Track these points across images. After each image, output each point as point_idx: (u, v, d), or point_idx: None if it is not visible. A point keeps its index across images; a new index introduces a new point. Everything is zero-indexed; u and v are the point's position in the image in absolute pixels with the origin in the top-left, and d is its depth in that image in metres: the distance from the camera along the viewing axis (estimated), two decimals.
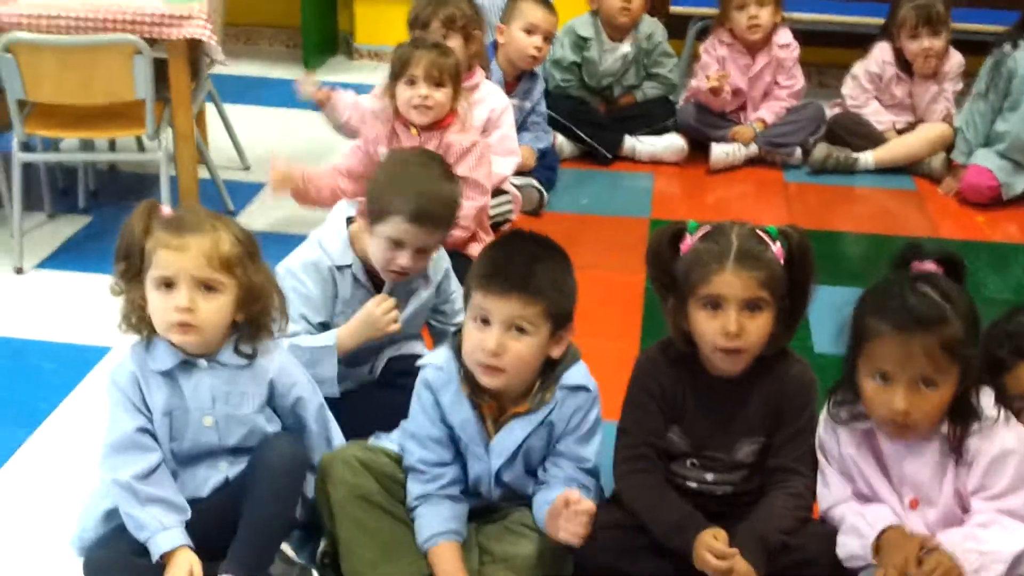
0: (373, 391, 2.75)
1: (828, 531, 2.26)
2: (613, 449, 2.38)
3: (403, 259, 2.61)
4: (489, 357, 2.21)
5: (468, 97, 3.63)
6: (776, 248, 2.23)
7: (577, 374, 2.33)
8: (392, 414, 2.46)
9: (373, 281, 2.71)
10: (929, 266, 2.16)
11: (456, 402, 2.31)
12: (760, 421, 2.30)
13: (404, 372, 2.63)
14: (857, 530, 2.19)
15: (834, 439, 2.26)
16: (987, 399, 2.16)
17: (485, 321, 2.22)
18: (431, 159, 2.76)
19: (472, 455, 2.35)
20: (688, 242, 2.26)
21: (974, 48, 4.66)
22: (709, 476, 2.35)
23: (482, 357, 2.22)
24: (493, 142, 3.84)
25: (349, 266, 2.68)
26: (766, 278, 2.19)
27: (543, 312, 2.22)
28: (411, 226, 2.57)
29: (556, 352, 2.29)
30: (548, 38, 4.25)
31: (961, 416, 2.14)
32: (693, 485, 2.35)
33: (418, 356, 2.55)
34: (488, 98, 3.90)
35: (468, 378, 2.29)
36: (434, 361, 2.36)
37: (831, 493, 2.27)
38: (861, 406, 2.20)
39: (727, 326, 2.18)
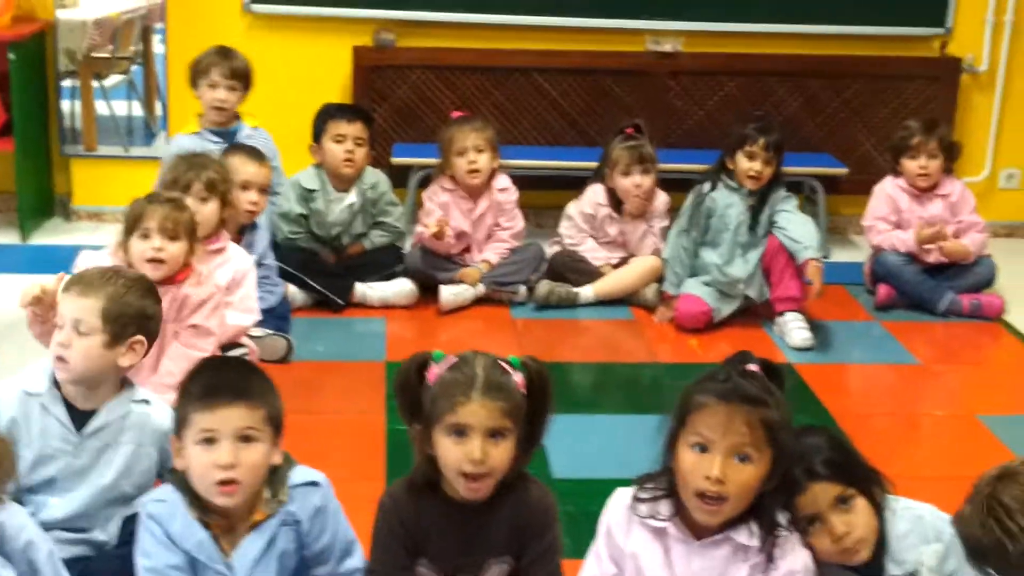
0: (116, 553, 2.67)
1: None
2: None
3: None
4: (226, 472, 2.25)
5: (206, 258, 3.66)
6: (518, 378, 2.35)
7: (302, 473, 2.41)
8: None
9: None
10: (754, 368, 2.32)
11: (186, 528, 2.33)
12: (506, 543, 2.39)
13: None
14: None
15: (624, 534, 2.37)
16: (782, 517, 2.31)
17: (210, 441, 2.26)
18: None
19: (213, 573, 2.34)
20: (435, 371, 2.35)
21: (677, 185, 5.00)
22: None
23: (219, 475, 2.25)
24: (235, 300, 3.87)
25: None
26: (509, 407, 2.31)
27: (266, 417, 2.31)
28: None
29: (277, 459, 2.36)
30: (263, 190, 4.30)
31: (767, 523, 2.27)
32: None
33: None
34: (233, 259, 3.94)
35: (195, 502, 2.32)
36: (153, 496, 2.39)
37: (598, 570, 2.39)
38: (663, 504, 2.33)
39: (472, 453, 2.28)
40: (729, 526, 2.29)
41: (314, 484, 2.40)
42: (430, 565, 2.39)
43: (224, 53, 4.76)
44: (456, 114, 4.99)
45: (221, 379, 2.34)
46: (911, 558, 2.38)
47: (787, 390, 4.12)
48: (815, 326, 4.59)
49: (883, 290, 4.93)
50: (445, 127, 4.89)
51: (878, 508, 2.39)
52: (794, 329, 4.54)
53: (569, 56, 5.62)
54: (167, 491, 2.37)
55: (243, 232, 4.31)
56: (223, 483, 2.26)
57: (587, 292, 4.85)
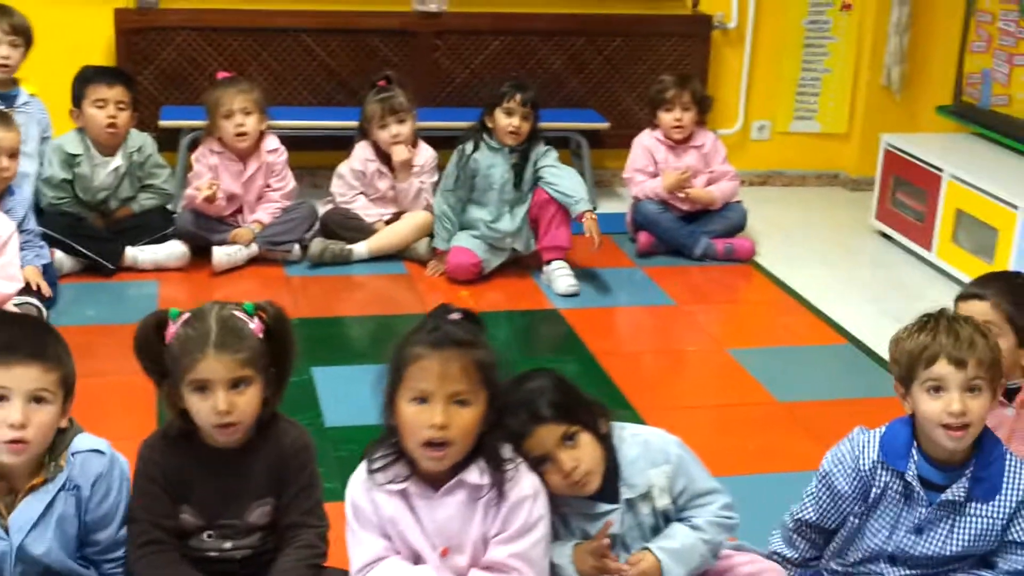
0: None
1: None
2: (127, 539, 2.46)
3: None
4: (16, 432, 2.24)
5: None
6: (255, 324, 2.42)
7: (87, 439, 2.41)
8: None
9: None
10: (456, 316, 2.39)
11: None
12: (266, 484, 2.46)
13: None
14: None
15: (371, 504, 2.40)
16: (506, 451, 2.41)
17: (2, 398, 2.25)
18: None
19: None
20: (172, 329, 2.39)
21: (446, 143, 5.12)
22: (227, 544, 2.48)
23: (8, 433, 2.25)
24: None
25: None
26: (247, 357, 2.37)
27: (60, 379, 2.30)
28: None
29: (64, 423, 2.36)
30: (13, 155, 4.22)
31: (493, 459, 2.37)
32: (214, 554, 2.48)
33: None
34: None
35: None
36: None
37: (365, 551, 2.40)
38: (398, 467, 2.38)
39: (217, 406, 2.34)
40: (460, 469, 2.38)
41: (97, 452, 2.40)
42: (193, 512, 2.45)
43: (3, 9, 4.67)
44: (221, 74, 4.98)
45: (18, 336, 2.31)
46: (642, 481, 2.54)
47: (555, 335, 4.38)
48: (581, 274, 4.79)
49: (643, 237, 5.17)
50: (210, 89, 4.89)
51: (603, 439, 2.53)
52: (560, 277, 4.73)
53: (336, 16, 5.66)
54: None
55: (1, 198, 4.23)
56: (11, 442, 2.25)
57: (361, 248, 4.93)
